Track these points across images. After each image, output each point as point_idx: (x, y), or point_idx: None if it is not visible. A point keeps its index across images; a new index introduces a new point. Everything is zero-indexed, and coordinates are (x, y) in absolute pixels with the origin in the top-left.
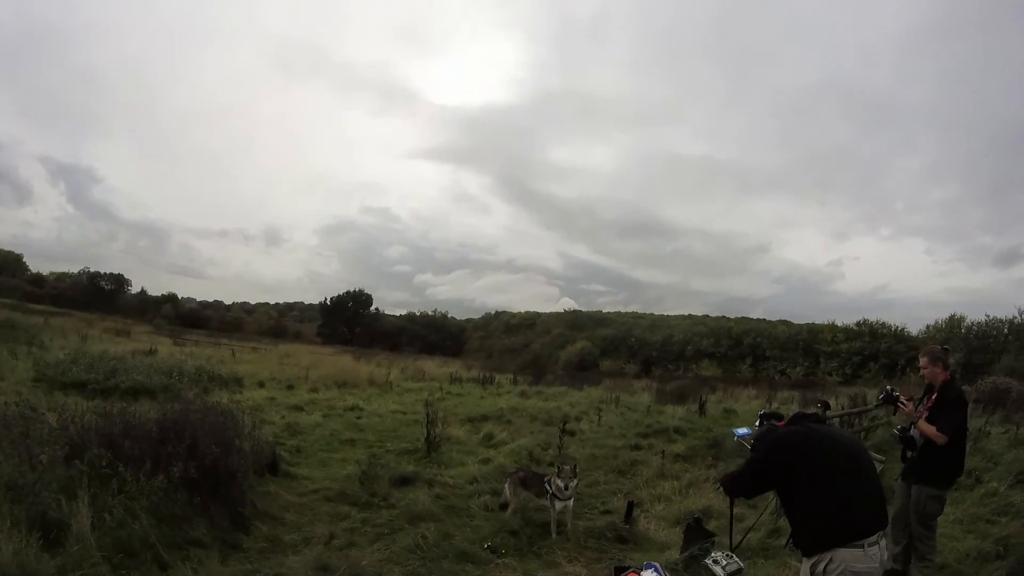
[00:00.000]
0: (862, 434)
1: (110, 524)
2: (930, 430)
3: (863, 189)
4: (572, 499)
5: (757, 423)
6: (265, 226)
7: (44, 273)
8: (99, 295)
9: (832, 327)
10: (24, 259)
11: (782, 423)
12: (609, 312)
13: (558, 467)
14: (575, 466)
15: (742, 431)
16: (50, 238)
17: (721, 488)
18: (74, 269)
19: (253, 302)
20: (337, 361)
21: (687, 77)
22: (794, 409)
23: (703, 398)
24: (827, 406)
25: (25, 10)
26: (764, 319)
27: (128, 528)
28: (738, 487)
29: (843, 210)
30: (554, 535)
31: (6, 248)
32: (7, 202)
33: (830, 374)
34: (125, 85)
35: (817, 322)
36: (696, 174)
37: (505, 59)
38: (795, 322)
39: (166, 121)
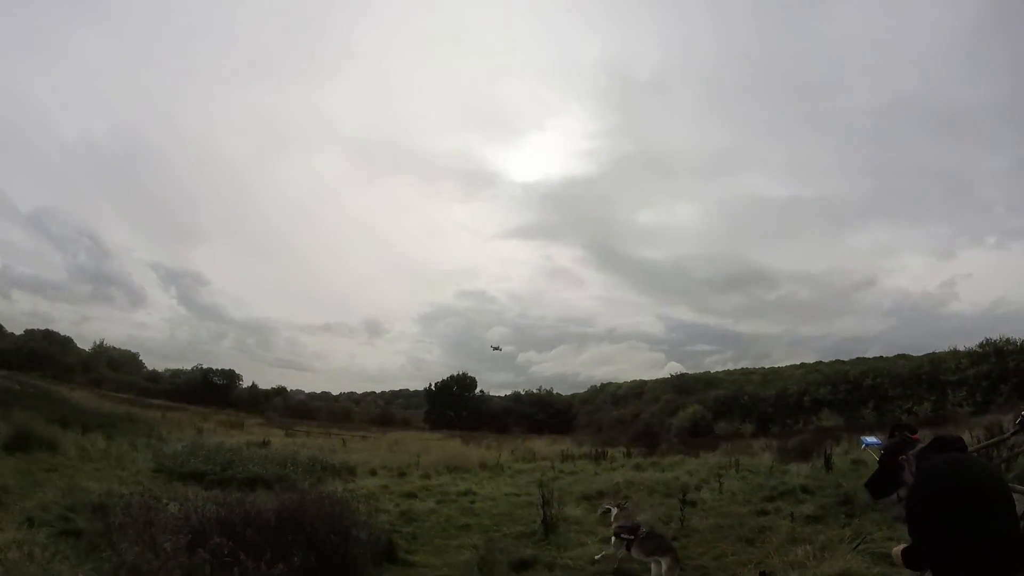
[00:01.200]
0: (1002, 466)
1: None
2: None
3: (957, 200)
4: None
5: (891, 434)
6: (366, 318)
7: (160, 370)
8: (212, 390)
9: (954, 353)
10: (140, 357)
11: (916, 436)
12: (718, 372)
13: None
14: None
15: (871, 440)
16: (164, 338)
17: (904, 564)
18: (187, 366)
19: (360, 392)
20: (446, 446)
21: (755, 119)
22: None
23: (827, 451)
24: (962, 441)
25: (131, 131)
26: (881, 356)
27: None
28: (920, 556)
29: (942, 226)
30: None
31: (123, 347)
32: (122, 305)
33: (959, 405)
34: (225, 194)
35: (938, 350)
36: (784, 216)
37: (577, 131)
38: (914, 354)
39: (264, 225)
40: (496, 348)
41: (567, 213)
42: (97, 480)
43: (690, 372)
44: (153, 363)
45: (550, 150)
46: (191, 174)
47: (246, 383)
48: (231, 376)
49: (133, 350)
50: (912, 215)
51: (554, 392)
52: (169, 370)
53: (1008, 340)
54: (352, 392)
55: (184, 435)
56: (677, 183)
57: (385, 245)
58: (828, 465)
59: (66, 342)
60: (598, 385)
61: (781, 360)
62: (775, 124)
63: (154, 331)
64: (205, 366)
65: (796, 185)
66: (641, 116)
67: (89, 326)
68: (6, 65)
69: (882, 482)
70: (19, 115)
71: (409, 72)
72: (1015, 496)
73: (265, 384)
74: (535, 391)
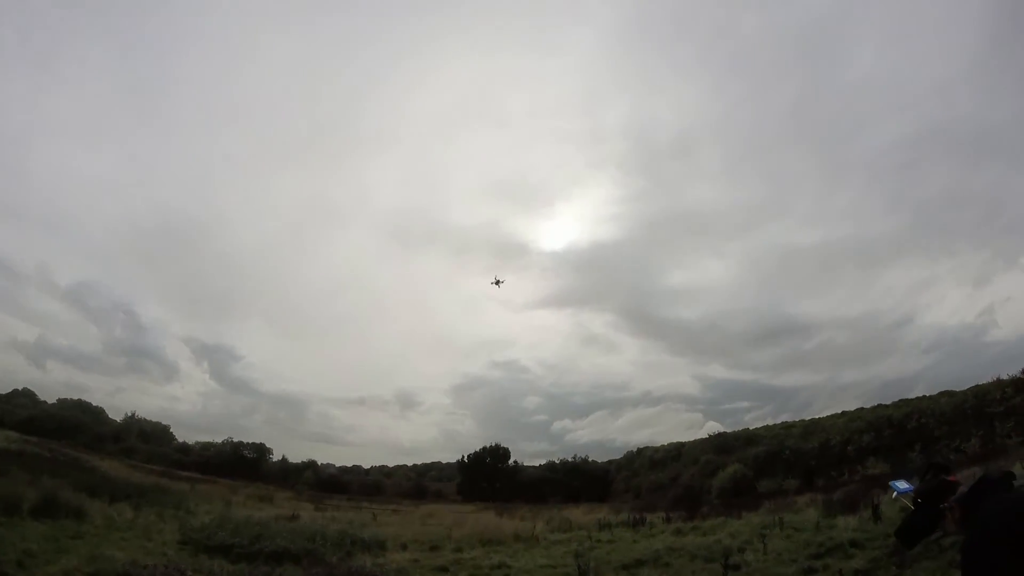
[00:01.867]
0: None
1: None
2: None
3: (988, 224)
4: None
5: (923, 476)
6: (398, 391)
7: (190, 442)
8: (242, 463)
9: (999, 383)
10: (171, 429)
11: (954, 478)
12: (757, 428)
13: None
14: None
15: (903, 486)
16: (195, 411)
17: None
18: (218, 439)
19: (391, 465)
20: (480, 518)
21: (779, 171)
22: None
23: (875, 501)
24: (1012, 476)
25: (171, 210)
26: (924, 396)
27: None
28: None
29: (975, 252)
30: None
31: (155, 419)
32: (156, 378)
33: (1009, 436)
34: (257, 269)
35: (982, 383)
36: (815, 262)
37: (604, 197)
38: (958, 389)
39: (297, 299)
40: (496, 282)
41: (597, 279)
42: (122, 550)
43: (729, 430)
44: (184, 435)
45: (577, 218)
46: (228, 252)
47: (276, 456)
48: (261, 449)
49: (164, 422)
50: (944, 245)
51: (590, 459)
52: (199, 443)
53: None
54: (384, 465)
55: (212, 508)
56: (706, 241)
57: (418, 319)
58: (876, 515)
59: (98, 412)
60: (635, 450)
61: (823, 410)
62: (800, 172)
63: (186, 404)
64: (236, 439)
65: (825, 230)
66: (665, 178)
67: (122, 397)
68: (58, 147)
69: (915, 530)
70: (66, 193)
71: (439, 150)
72: None
73: (295, 457)
74: (570, 459)
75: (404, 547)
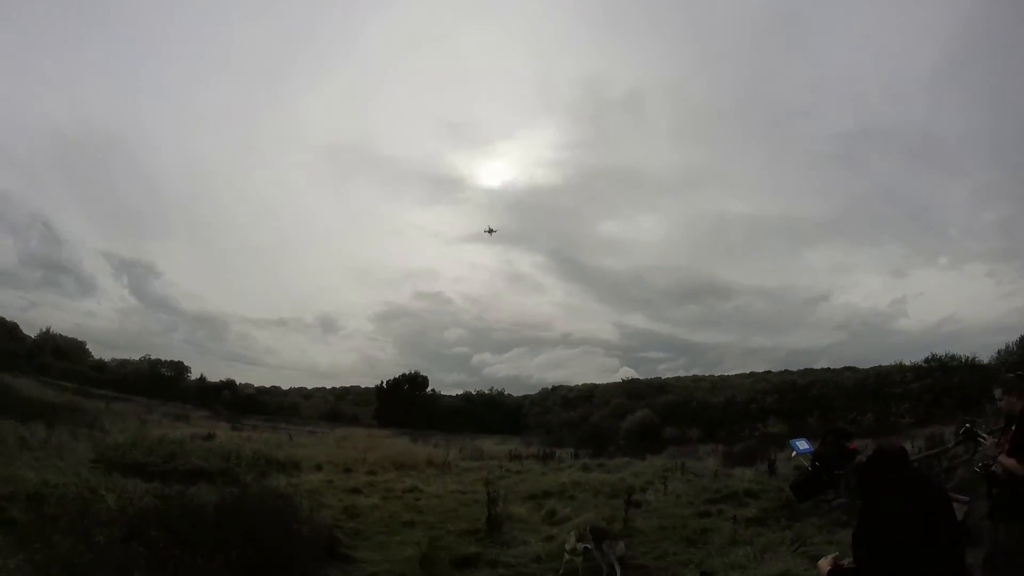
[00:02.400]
0: (942, 475)
1: None
2: (1011, 463)
3: (915, 223)
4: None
5: (824, 438)
6: (320, 315)
7: (106, 360)
8: (159, 381)
9: (900, 367)
10: (87, 346)
11: (853, 445)
12: (669, 378)
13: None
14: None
15: (803, 446)
16: (113, 328)
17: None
18: (136, 356)
19: (310, 387)
20: (394, 443)
21: (725, 138)
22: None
23: (772, 457)
24: (905, 452)
25: (88, 119)
26: (829, 368)
27: None
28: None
29: (897, 247)
30: None
31: (70, 336)
32: (72, 293)
33: (903, 416)
34: (183, 187)
35: (884, 364)
36: (746, 231)
37: (547, 142)
38: (861, 367)
39: (223, 221)
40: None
41: (531, 220)
42: (34, 469)
43: (641, 378)
44: (100, 353)
45: (518, 159)
46: (154, 168)
47: (194, 376)
48: (179, 368)
49: (80, 339)
50: (869, 236)
51: (505, 393)
52: (116, 360)
53: (953, 356)
54: (302, 387)
55: (128, 426)
56: (642, 197)
57: (345, 246)
58: (772, 470)
59: (12, 328)
60: (549, 388)
61: (732, 369)
62: (743, 147)
63: (103, 320)
64: (154, 357)
65: (759, 204)
66: (612, 131)
67: (37, 313)
68: None
69: (809, 487)
70: None
71: (381, 79)
72: (956, 505)
73: (214, 377)
74: (486, 391)
75: (319, 468)
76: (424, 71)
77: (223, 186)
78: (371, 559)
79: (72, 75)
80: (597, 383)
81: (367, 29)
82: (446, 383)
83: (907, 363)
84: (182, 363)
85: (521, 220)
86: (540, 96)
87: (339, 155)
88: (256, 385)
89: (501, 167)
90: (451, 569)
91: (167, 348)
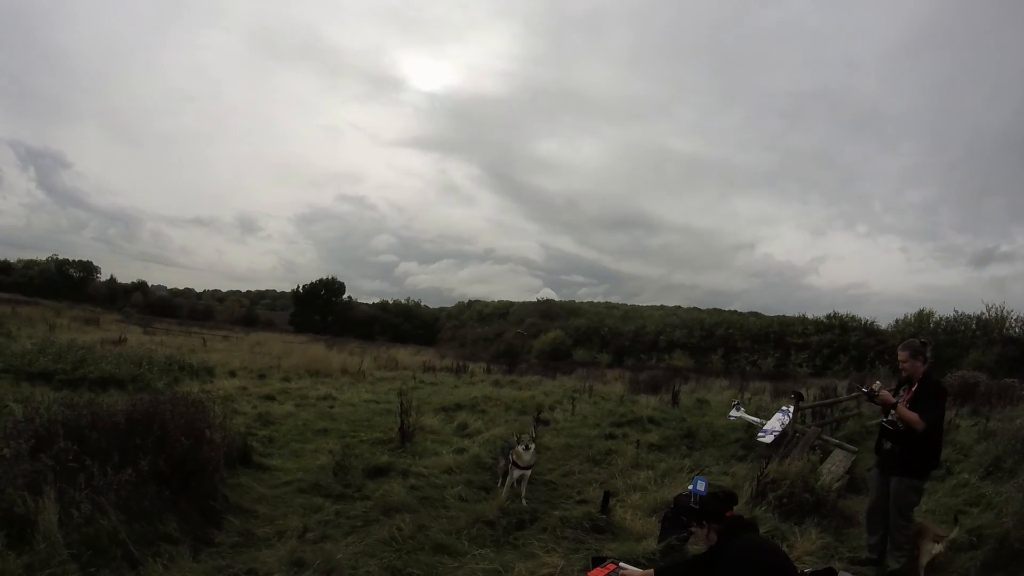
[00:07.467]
0: (833, 425)
1: (78, 520)
2: (911, 416)
3: (843, 189)
4: (531, 468)
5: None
6: (239, 214)
7: (12, 261)
8: (68, 283)
9: (803, 320)
10: None
11: (730, 513)
12: (583, 302)
13: (517, 436)
14: (533, 435)
15: (700, 489)
16: (19, 225)
17: None
18: (43, 256)
19: (224, 290)
20: (309, 350)
21: (680, 76)
22: (766, 400)
23: (676, 388)
24: (801, 397)
25: None
26: (736, 311)
27: (96, 524)
28: None
29: (823, 208)
30: (503, 496)
31: None
32: None
33: (800, 366)
34: (96, 67)
35: (788, 315)
36: (683, 171)
37: (499, 51)
38: (767, 315)
39: (138, 105)
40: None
41: (470, 130)
42: None
43: (557, 299)
44: (5, 253)
45: (466, 65)
46: (64, 45)
47: (105, 277)
48: (88, 268)
49: None
50: (799, 193)
51: (422, 304)
52: (22, 261)
53: (854, 317)
54: (217, 290)
55: (35, 332)
56: (588, 121)
57: (270, 140)
58: (675, 401)
59: None
60: (466, 302)
61: (650, 301)
62: (696, 86)
63: (8, 217)
64: (62, 257)
65: (701, 145)
66: (568, 50)
67: None
68: None
69: (673, 525)
70: None
71: None
72: (844, 454)
73: (125, 279)
74: (403, 301)
75: (232, 374)
76: None
77: (138, 67)
78: (285, 467)
79: None
80: (513, 301)
81: None
82: (366, 291)
83: (810, 317)
84: (91, 263)
85: (460, 129)
86: (500, 0)
87: (270, 39)
88: (169, 287)
89: (446, 71)
90: (363, 478)
91: (76, 247)
